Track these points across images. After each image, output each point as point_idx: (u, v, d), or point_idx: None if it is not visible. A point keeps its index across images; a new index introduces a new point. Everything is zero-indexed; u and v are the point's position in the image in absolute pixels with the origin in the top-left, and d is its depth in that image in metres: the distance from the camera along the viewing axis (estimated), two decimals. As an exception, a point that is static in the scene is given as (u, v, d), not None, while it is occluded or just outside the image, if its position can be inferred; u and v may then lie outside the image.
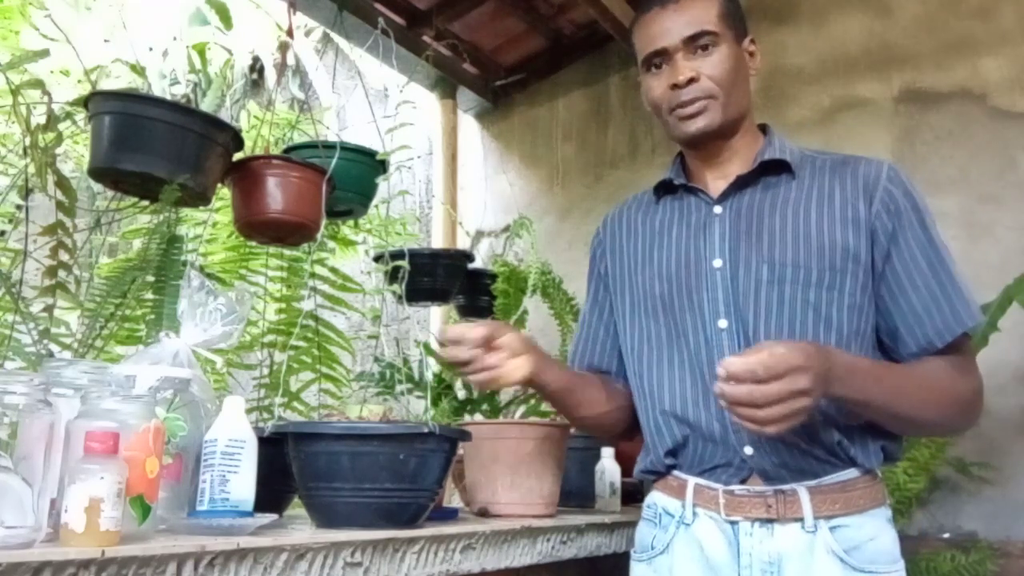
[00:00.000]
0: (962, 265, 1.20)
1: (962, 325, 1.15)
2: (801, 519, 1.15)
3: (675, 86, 1.23)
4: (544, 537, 1.47)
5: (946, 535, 2.17)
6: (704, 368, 1.21)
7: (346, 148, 1.72)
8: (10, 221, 1.62)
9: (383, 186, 1.82)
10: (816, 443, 1.16)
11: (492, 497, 1.57)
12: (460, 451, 1.61)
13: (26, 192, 1.47)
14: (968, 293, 1.17)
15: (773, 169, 1.26)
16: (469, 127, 3.44)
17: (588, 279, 1.46)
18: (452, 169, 3.32)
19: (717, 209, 1.26)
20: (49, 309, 1.42)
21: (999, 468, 2.14)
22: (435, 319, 3.18)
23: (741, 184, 1.26)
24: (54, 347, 1.42)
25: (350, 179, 1.72)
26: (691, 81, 1.22)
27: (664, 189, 1.35)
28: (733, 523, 1.18)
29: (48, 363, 1.12)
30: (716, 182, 1.29)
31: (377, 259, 2.01)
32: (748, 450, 1.18)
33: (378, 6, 2.78)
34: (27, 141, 1.43)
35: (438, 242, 3.23)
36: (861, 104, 2.54)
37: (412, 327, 3.30)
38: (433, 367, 2.01)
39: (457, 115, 3.37)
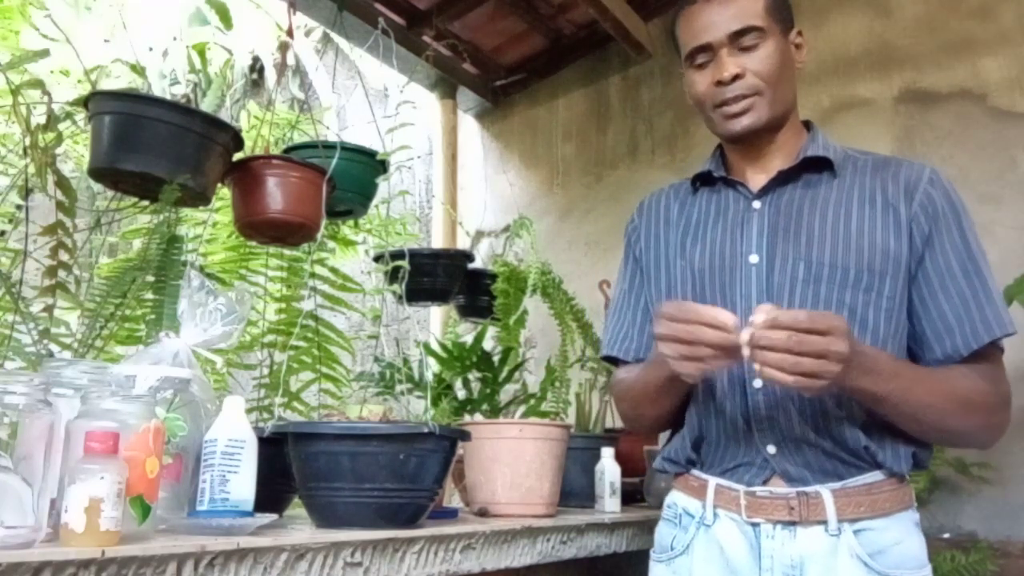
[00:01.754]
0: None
1: (991, 334, 1.13)
2: (824, 522, 1.13)
3: (720, 83, 1.21)
4: (544, 537, 1.47)
5: (946, 535, 2.16)
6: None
7: (346, 148, 1.72)
8: (10, 221, 1.62)
9: (383, 186, 1.82)
10: (841, 445, 1.14)
11: (492, 497, 1.57)
12: (460, 451, 1.61)
13: (26, 192, 1.47)
14: (1001, 302, 1.15)
15: (815, 166, 1.24)
16: (469, 127, 3.44)
17: (623, 263, 1.42)
18: (452, 169, 3.32)
19: (756, 204, 1.24)
20: (49, 309, 1.42)
21: (999, 468, 2.14)
22: (435, 319, 3.18)
23: (782, 179, 1.24)
24: (54, 347, 1.42)
25: (350, 179, 1.71)
26: (736, 78, 1.20)
27: (702, 180, 1.33)
28: (754, 525, 1.16)
29: (48, 363, 1.12)
30: (756, 176, 1.26)
31: (377, 259, 2.01)
32: (771, 449, 1.17)
33: (378, 6, 2.78)
34: (27, 141, 1.42)
35: (438, 242, 3.23)
36: (861, 104, 2.54)
37: (412, 327, 3.30)
38: (433, 367, 2.01)
39: (457, 115, 3.37)
